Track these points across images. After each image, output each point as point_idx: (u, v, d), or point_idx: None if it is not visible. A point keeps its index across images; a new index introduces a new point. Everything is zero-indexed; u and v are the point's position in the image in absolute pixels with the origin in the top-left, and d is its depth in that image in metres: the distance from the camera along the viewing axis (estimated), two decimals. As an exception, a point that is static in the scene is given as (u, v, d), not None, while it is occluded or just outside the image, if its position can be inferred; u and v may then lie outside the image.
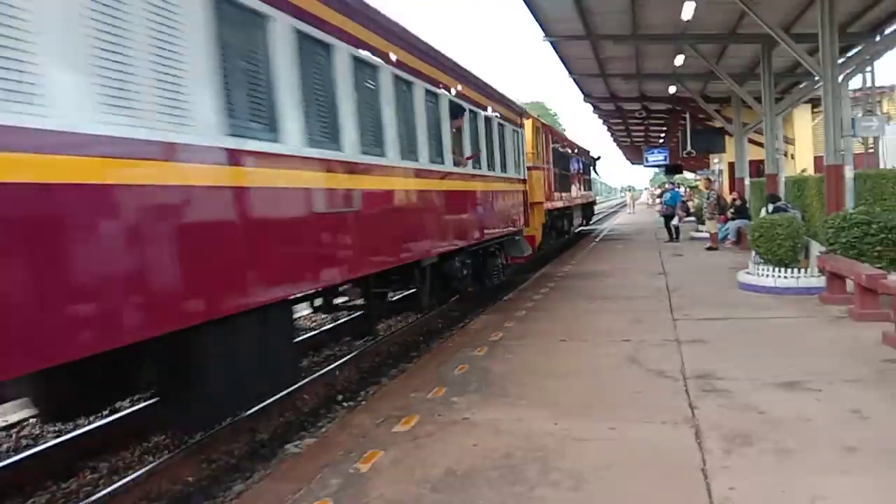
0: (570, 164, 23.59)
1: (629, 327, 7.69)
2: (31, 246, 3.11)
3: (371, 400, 5.93)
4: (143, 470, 4.63)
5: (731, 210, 17.78)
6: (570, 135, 26.95)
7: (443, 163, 8.84)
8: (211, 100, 4.24)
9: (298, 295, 5.91)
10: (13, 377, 3.38)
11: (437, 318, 10.47)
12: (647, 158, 38.32)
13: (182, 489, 4.61)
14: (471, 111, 10.06)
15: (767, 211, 13.43)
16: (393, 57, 7.28)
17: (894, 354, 5.77)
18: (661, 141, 39.00)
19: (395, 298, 10.13)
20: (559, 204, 19.62)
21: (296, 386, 6.25)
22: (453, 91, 9.35)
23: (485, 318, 8.97)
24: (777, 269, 9.65)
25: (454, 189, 9.31)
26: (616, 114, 30.41)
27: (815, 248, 9.73)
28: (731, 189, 24.35)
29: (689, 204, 23.82)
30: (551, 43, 16.63)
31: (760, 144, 22.02)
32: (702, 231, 18.61)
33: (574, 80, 20.87)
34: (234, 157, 4.46)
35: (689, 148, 23.59)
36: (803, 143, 22.81)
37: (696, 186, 44.21)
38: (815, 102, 23.83)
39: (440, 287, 9.24)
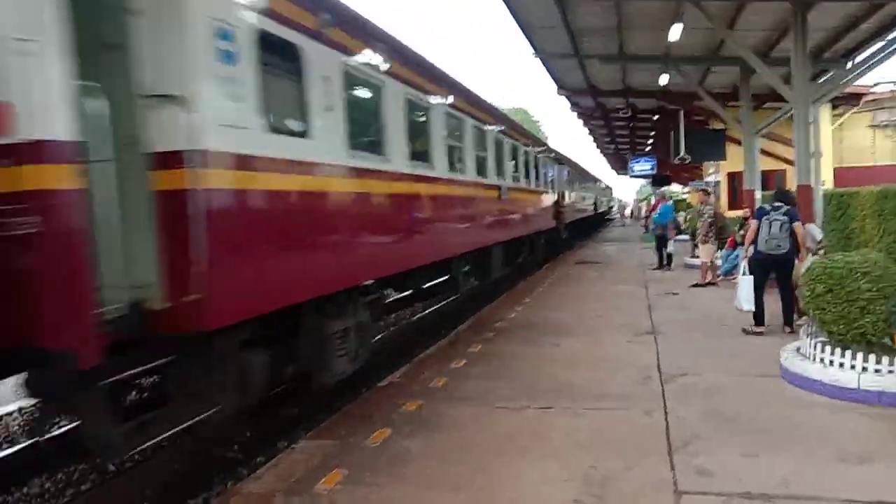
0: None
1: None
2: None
3: None
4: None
5: (742, 232, 13.39)
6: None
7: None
8: None
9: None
10: None
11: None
12: (632, 168, 34.01)
13: None
14: None
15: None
16: None
17: None
18: (649, 149, 34.67)
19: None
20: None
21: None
22: None
23: (288, 463, 4.46)
24: (858, 353, 5.26)
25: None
26: (598, 113, 26.06)
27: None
28: (732, 206, 20.07)
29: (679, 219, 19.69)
30: (505, 2, 12.29)
31: (767, 153, 17.86)
32: (697, 258, 14.16)
33: (542, 61, 16.48)
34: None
35: (682, 153, 19.20)
36: (823, 149, 18.51)
37: (683, 200, 39.19)
38: (835, 102, 19.55)
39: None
